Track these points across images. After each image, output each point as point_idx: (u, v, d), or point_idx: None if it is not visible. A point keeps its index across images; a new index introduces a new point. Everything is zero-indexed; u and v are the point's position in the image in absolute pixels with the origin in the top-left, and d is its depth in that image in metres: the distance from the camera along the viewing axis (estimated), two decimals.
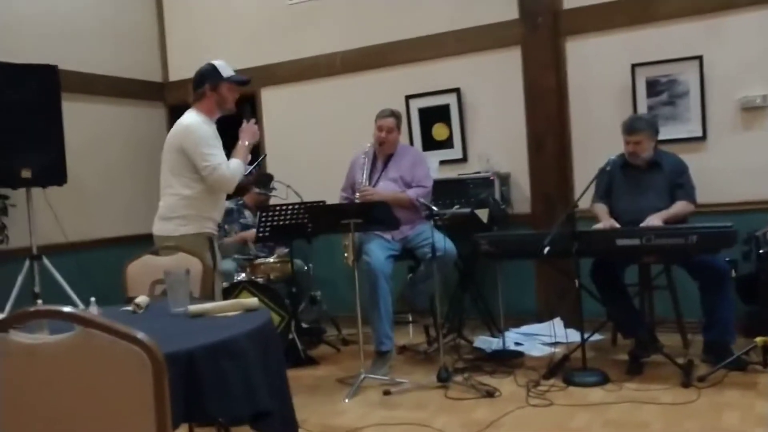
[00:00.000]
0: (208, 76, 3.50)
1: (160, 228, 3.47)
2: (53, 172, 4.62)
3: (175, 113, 6.48)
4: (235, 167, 3.45)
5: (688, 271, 3.94)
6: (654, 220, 3.82)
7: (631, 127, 4.05)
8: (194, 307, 2.34)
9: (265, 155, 3.91)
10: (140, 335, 1.44)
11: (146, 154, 6.27)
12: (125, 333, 1.44)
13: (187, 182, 3.41)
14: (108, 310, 2.36)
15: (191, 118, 3.45)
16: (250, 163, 3.83)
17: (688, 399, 3.34)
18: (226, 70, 3.54)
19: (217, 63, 3.54)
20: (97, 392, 1.46)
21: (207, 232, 3.46)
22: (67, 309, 1.42)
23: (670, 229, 3.68)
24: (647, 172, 4.08)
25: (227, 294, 4.20)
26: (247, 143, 3.58)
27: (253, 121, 3.68)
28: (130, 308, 2.45)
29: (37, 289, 4.56)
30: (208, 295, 2.98)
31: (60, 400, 1.49)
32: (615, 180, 4.16)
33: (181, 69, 6.38)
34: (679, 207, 3.94)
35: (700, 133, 4.58)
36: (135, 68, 6.17)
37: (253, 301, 2.43)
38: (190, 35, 6.29)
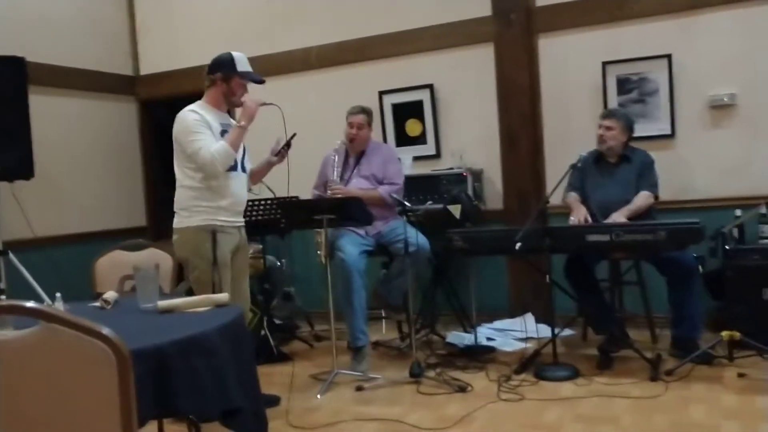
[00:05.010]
0: (223, 65, 3.47)
1: (174, 221, 3.45)
2: (20, 166, 4.53)
3: (146, 107, 6.47)
4: (218, 149, 3.31)
5: (657, 267, 4.01)
6: (618, 218, 3.89)
7: (606, 112, 4.26)
8: (163, 303, 2.32)
9: (294, 134, 3.70)
10: (105, 330, 1.42)
11: (117, 149, 6.19)
12: (89, 328, 1.41)
13: (187, 172, 3.38)
14: (75, 305, 2.33)
15: (186, 108, 3.41)
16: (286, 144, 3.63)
17: (656, 393, 3.39)
18: (243, 65, 3.48)
19: (236, 55, 3.48)
20: (61, 388, 1.44)
21: (211, 224, 3.34)
22: (29, 304, 1.40)
23: (640, 225, 3.73)
24: (618, 165, 4.19)
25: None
26: (243, 123, 3.44)
27: (256, 99, 3.50)
28: (97, 304, 2.42)
29: (2, 285, 4.48)
30: (178, 291, 2.96)
31: (23, 396, 1.46)
32: (588, 174, 4.23)
33: (153, 63, 6.30)
34: (640, 200, 4.02)
35: (669, 131, 4.64)
36: (105, 61, 6.08)
37: (223, 296, 2.41)
38: (163, 28, 6.20)
